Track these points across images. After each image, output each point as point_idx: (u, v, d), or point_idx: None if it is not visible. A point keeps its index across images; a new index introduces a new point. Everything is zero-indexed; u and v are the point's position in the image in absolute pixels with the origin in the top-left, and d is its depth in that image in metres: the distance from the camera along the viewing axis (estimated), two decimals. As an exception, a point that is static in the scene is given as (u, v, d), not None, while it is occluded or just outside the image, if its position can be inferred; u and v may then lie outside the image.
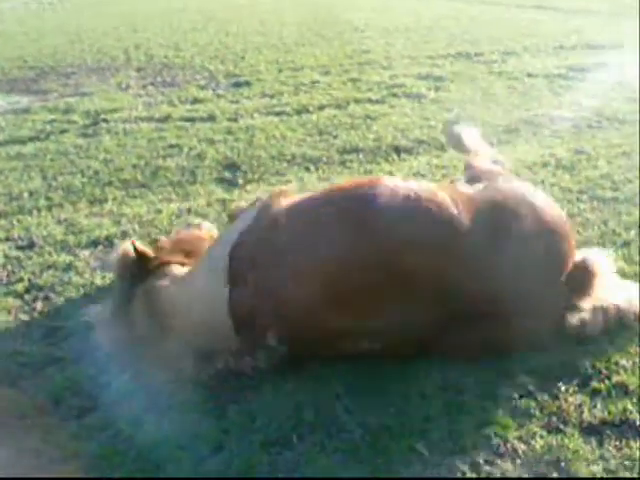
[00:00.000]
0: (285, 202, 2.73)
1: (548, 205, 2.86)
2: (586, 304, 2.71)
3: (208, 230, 3.42)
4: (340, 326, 2.48)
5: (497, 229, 2.62)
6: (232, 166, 5.00)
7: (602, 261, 2.83)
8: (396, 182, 2.75)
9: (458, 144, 4.07)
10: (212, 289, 2.61)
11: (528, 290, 2.56)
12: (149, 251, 2.97)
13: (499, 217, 2.66)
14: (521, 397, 2.42)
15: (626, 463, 2.13)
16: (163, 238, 3.39)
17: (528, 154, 5.09)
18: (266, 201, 2.80)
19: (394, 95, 7.08)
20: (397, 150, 5.29)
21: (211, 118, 6.34)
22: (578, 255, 2.81)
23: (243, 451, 2.21)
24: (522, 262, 2.59)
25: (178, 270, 2.88)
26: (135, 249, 2.90)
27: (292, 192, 2.89)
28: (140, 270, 2.87)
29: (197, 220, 3.86)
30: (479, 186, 2.87)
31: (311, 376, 2.54)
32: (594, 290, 2.73)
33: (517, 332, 2.57)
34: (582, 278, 2.72)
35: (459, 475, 2.10)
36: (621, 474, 2.09)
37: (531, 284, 2.58)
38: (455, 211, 2.59)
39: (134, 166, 5.06)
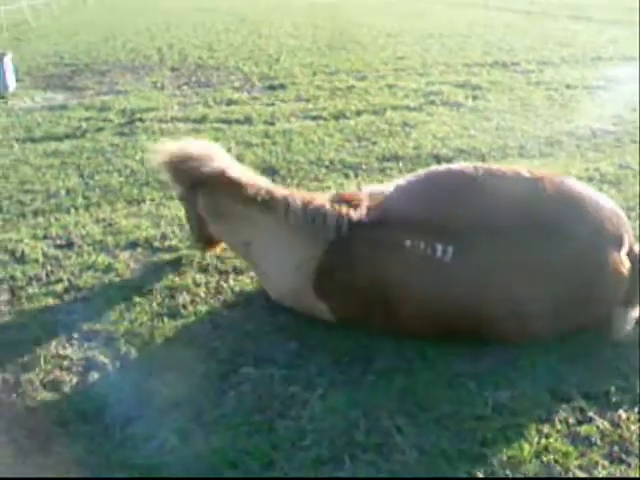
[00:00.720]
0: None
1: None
2: None
3: None
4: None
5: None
6: (270, 170, 4.94)
7: None
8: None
9: None
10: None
11: None
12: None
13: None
14: (580, 423, 2.32)
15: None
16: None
17: (572, 168, 4.98)
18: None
19: (431, 103, 6.99)
20: (437, 159, 5.19)
21: (247, 120, 6.30)
22: None
23: (294, 469, 2.13)
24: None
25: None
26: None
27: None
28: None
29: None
30: None
31: (362, 392, 2.45)
32: None
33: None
34: None
35: (521, 506, 2.01)
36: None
37: None
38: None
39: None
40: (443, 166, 3.15)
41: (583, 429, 2.29)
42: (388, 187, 2.97)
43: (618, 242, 2.69)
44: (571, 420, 2.35)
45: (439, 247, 2.60)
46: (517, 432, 2.28)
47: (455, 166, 2.96)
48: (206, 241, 3.41)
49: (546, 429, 2.30)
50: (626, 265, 2.68)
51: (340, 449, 2.21)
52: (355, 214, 2.82)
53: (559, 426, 2.31)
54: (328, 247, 2.79)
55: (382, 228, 2.74)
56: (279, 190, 3.09)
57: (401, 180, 3.00)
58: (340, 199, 2.95)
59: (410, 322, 2.69)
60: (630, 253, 2.74)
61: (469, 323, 2.63)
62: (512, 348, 2.68)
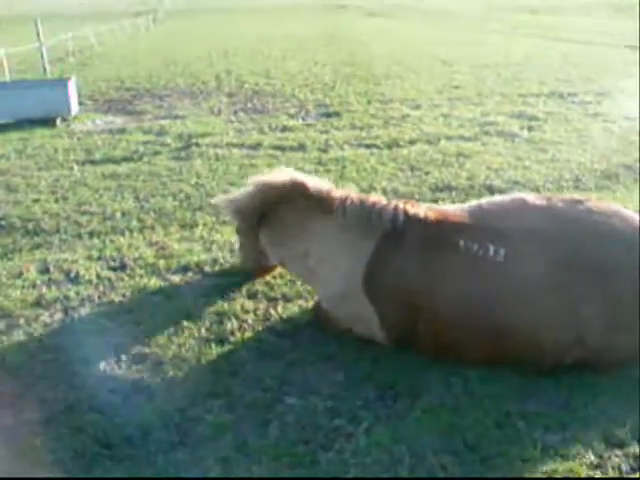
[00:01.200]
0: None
1: None
2: None
3: None
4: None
5: None
6: (323, 197, 4.94)
7: None
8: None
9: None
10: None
11: None
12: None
13: None
14: (634, 470, 2.24)
15: None
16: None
17: (629, 202, 4.86)
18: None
19: (486, 133, 6.94)
20: (491, 190, 5.13)
21: (301, 147, 6.34)
22: None
23: (334, 502, 2.11)
24: None
25: None
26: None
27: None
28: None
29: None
30: None
31: (407, 427, 2.42)
32: None
33: None
34: None
35: None
36: None
37: None
38: None
39: (225, 192, 5.06)
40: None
41: (637, 477, 2.21)
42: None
43: None
44: (624, 467, 2.27)
45: (491, 247, 2.63)
46: (566, 477, 2.21)
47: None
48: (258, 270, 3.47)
49: (597, 475, 2.22)
50: None
51: (384, 485, 2.18)
52: (412, 209, 2.89)
53: (611, 473, 2.24)
54: (380, 239, 2.83)
55: (437, 225, 2.79)
56: (337, 191, 3.15)
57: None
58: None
59: (452, 330, 2.68)
60: None
61: (518, 336, 2.61)
62: (563, 388, 2.62)
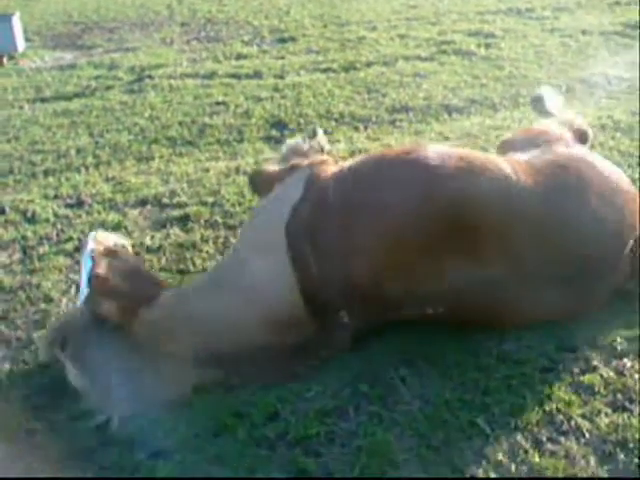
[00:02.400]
0: (331, 175, 2.59)
1: (612, 169, 2.81)
2: None
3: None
4: (405, 293, 2.41)
5: (561, 191, 2.55)
6: (279, 124, 4.91)
7: None
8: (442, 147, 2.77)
9: (540, 106, 3.93)
10: (274, 273, 2.45)
11: (599, 252, 2.52)
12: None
13: (564, 179, 2.59)
14: (584, 372, 2.34)
15: (697, 448, 2.05)
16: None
17: (585, 116, 4.89)
18: (310, 174, 2.61)
19: (443, 52, 6.86)
20: (448, 109, 5.13)
21: (257, 74, 6.23)
22: None
23: (298, 420, 2.17)
24: (591, 223, 2.54)
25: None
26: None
27: (331, 162, 2.74)
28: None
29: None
30: (535, 152, 2.77)
31: (366, 346, 2.48)
32: None
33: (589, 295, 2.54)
34: None
35: (521, 453, 2.04)
36: (692, 458, 2.01)
37: (602, 246, 2.52)
38: (513, 173, 2.51)
39: (180, 123, 5.00)
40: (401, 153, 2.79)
41: (587, 378, 2.31)
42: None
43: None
44: (575, 369, 2.36)
45: None
46: (520, 381, 2.30)
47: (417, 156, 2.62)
48: None
49: (550, 379, 2.32)
50: None
51: (344, 400, 2.25)
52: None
53: (563, 375, 2.33)
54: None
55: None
56: None
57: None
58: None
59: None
60: None
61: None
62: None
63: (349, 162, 2.75)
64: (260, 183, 2.97)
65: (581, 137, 3.26)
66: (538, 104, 3.99)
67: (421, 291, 2.41)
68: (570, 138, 3.09)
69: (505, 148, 3.02)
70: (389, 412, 2.20)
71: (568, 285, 2.48)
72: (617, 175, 2.77)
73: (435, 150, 2.58)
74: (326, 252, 2.40)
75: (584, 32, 7.67)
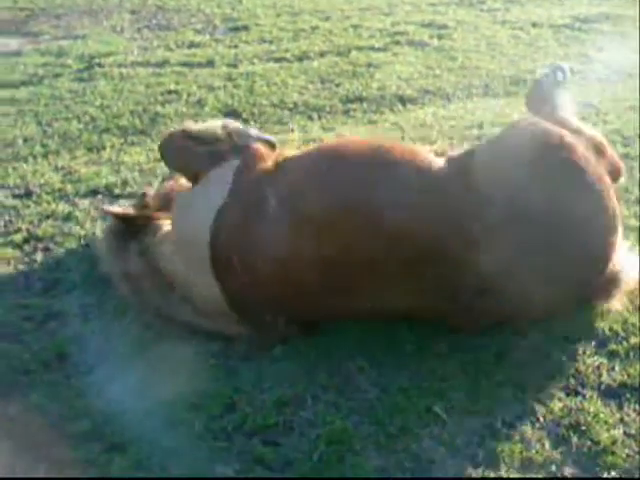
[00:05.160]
0: (263, 171, 2.57)
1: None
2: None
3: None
4: (335, 299, 2.40)
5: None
6: (233, 113, 4.84)
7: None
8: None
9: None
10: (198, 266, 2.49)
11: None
12: (129, 211, 2.87)
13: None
14: (538, 358, 2.37)
15: (647, 427, 2.10)
16: (149, 191, 3.20)
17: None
18: (239, 169, 2.60)
19: (397, 43, 6.88)
20: (402, 100, 5.15)
21: (210, 63, 6.14)
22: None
23: (256, 410, 2.16)
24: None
25: (168, 227, 2.78)
26: (114, 215, 2.82)
27: (267, 155, 2.67)
28: (129, 231, 2.76)
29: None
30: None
31: (323, 336, 2.47)
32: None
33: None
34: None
35: (477, 438, 2.06)
36: (642, 438, 2.06)
37: None
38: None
39: (132, 112, 4.90)
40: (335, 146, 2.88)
41: (540, 364, 2.35)
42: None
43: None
44: (528, 355, 2.40)
45: None
46: (476, 368, 2.32)
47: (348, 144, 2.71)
48: None
49: (505, 365, 2.35)
50: None
51: (302, 390, 2.24)
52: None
53: (517, 361, 2.36)
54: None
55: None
56: None
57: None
58: None
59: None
60: None
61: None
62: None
63: (283, 158, 2.65)
64: (173, 157, 2.94)
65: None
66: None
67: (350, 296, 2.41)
68: None
69: None
70: (347, 401, 2.20)
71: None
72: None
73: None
74: (252, 265, 2.39)
75: (534, 25, 7.78)
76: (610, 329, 2.49)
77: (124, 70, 6.02)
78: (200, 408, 2.17)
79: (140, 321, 2.59)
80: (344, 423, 2.11)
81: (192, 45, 6.90)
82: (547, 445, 2.03)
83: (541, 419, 2.13)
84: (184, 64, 6.15)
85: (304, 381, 2.28)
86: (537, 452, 2.01)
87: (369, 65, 6.01)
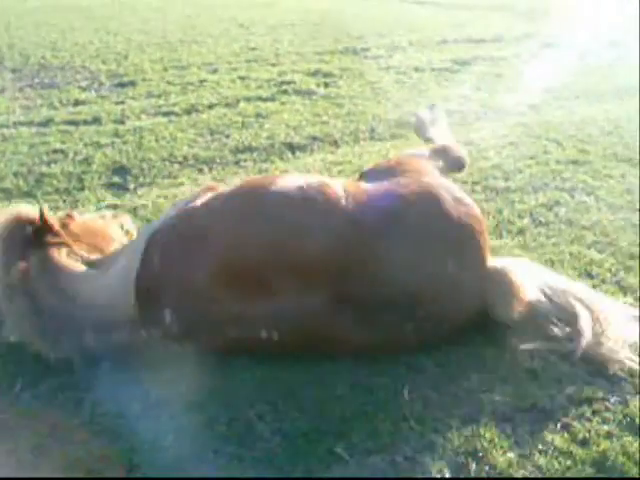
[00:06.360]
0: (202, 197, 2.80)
1: (458, 200, 2.75)
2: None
3: (125, 225, 3.30)
4: (235, 312, 2.50)
5: (388, 217, 2.63)
6: (121, 170, 4.79)
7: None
8: (295, 177, 2.92)
9: (421, 130, 4.25)
10: (128, 267, 2.65)
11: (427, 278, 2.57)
12: (55, 225, 2.86)
13: (391, 207, 2.66)
14: (434, 391, 2.43)
15: (540, 447, 2.18)
16: (76, 216, 3.14)
17: (420, 147, 5.16)
18: (191, 194, 2.97)
19: (284, 92, 7.03)
20: (291, 147, 5.25)
21: (96, 120, 6.06)
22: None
23: (156, 470, 2.10)
24: (420, 248, 2.60)
25: (75, 261, 2.79)
26: (42, 217, 2.80)
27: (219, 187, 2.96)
28: (37, 238, 2.76)
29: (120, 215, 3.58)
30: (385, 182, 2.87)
31: (220, 386, 2.45)
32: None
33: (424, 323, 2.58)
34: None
35: (380, 474, 2.08)
36: (536, 459, 2.13)
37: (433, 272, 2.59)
38: (343, 200, 2.62)
39: (16, 174, 4.74)
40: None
41: (436, 396, 2.40)
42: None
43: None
44: (426, 389, 2.45)
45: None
46: (375, 407, 2.35)
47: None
48: None
49: (402, 401, 2.38)
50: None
51: (202, 444, 2.20)
52: None
53: (414, 395, 2.41)
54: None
55: None
56: None
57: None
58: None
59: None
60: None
61: None
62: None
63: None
64: None
65: (456, 163, 3.53)
66: (420, 128, 4.30)
67: (251, 314, 2.50)
68: (434, 167, 3.17)
69: (363, 178, 3.08)
70: (249, 450, 2.18)
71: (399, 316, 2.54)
72: (464, 210, 2.72)
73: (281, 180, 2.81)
74: (169, 257, 2.62)
75: (416, 69, 8.16)
76: (499, 356, 2.59)
77: (6, 131, 5.85)
78: (97, 472, 2.08)
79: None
80: (247, 473, 2.08)
81: (77, 103, 6.80)
82: (447, 474, 2.07)
83: (440, 450, 2.16)
84: (69, 122, 6.04)
85: (204, 434, 2.24)
86: (437, 483, 2.04)
87: (258, 115, 6.10)
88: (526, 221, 3.77)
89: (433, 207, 2.68)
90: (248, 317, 2.50)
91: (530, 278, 2.73)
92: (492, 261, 2.73)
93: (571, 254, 3.40)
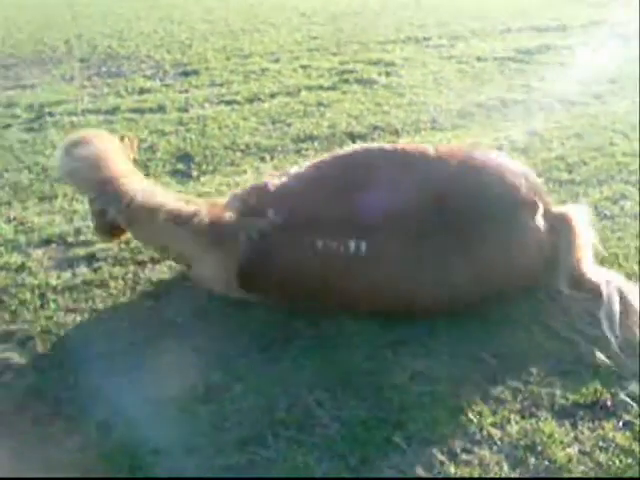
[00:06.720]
0: None
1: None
2: None
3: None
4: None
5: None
6: (185, 157, 4.89)
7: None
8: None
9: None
10: None
11: None
12: None
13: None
14: (492, 383, 2.42)
15: (600, 444, 2.15)
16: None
17: (483, 137, 5.11)
18: None
19: (345, 81, 7.03)
20: (352, 136, 5.25)
21: (161, 109, 6.19)
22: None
23: (218, 452, 2.15)
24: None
25: None
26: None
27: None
28: None
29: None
30: None
31: (281, 371, 2.49)
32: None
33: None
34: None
35: (437, 465, 2.09)
36: (596, 455, 2.10)
37: None
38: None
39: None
40: (340, 152, 3.19)
41: (495, 388, 2.39)
42: (289, 179, 2.97)
43: (531, 206, 2.79)
44: (484, 382, 2.44)
45: (352, 244, 2.64)
46: (433, 397, 2.36)
47: (348, 152, 3.06)
48: (110, 232, 3.32)
49: (461, 392, 2.39)
50: (542, 228, 2.78)
51: (262, 428, 2.25)
52: (263, 223, 2.78)
53: (473, 388, 2.41)
54: (243, 262, 2.78)
55: (292, 233, 2.72)
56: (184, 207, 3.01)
57: (300, 170, 3.03)
58: (245, 207, 2.90)
59: None
60: (546, 214, 2.83)
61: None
62: (431, 319, 2.75)
63: None
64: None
65: None
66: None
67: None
68: None
69: None
70: (307, 436, 2.21)
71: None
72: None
73: None
74: None
75: (479, 59, 8.03)
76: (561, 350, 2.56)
77: (75, 119, 6.03)
78: (161, 453, 2.15)
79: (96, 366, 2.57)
80: (306, 459, 2.11)
81: (142, 91, 6.95)
82: (505, 467, 2.07)
83: (498, 443, 2.16)
84: (135, 110, 6.19)
85: (264, 419, 2.28)
86: (496, 475, 2.04)
87: (319, 104, 6.12)
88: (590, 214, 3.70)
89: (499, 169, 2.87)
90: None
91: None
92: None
93: (636, 248, 3.33)
